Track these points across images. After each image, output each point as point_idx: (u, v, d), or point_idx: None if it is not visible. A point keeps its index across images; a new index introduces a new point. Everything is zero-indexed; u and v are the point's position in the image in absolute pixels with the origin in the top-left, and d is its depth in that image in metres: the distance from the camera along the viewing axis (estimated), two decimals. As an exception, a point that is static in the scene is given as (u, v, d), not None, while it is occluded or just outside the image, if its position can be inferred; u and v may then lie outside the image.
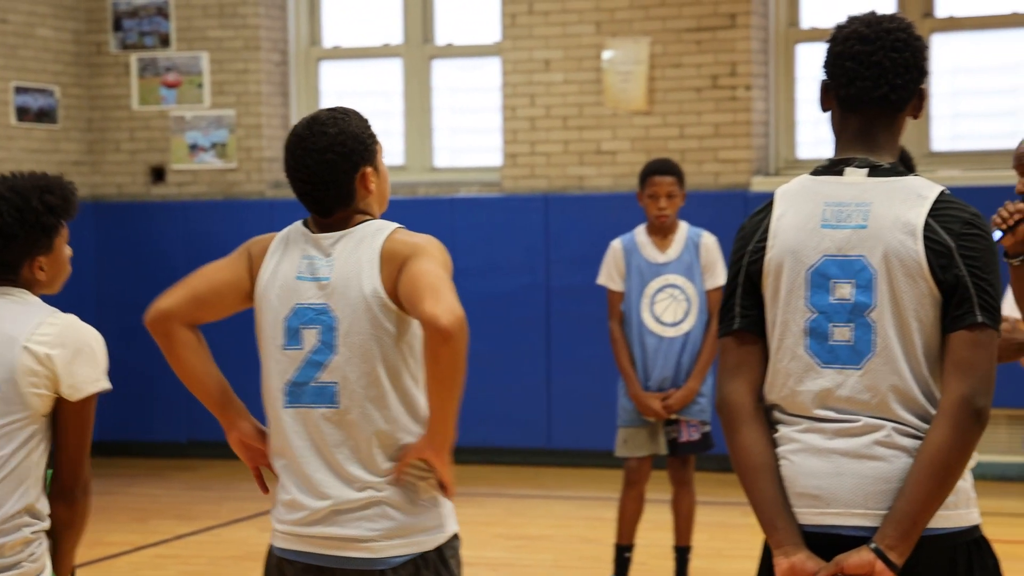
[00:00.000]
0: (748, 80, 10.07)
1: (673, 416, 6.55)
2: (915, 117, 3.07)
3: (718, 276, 6.58)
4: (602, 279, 6.73)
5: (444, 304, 3.14)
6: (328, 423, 3.32)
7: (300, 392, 3.34)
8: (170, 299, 3.42)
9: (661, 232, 6.62)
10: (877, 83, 2.98)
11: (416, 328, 3.30)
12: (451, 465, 3.32)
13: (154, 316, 3.41)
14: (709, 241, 6.63)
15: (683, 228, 6.65)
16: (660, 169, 6.59)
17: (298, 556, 3.36)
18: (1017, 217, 4.47)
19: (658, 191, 6.54)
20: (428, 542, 3.34)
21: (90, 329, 3.49)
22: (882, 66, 2.97)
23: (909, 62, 2.99)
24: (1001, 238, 4.48)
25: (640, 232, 6.69)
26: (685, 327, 6.57)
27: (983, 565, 2.98)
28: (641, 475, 6.65)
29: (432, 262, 3.25)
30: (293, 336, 3.34)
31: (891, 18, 3.02)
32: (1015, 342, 4.24)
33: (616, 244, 6.70)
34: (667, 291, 6.58)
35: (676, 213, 6.60)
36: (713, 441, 6.66)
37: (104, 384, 3.47)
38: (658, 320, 6.57)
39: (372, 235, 3.34)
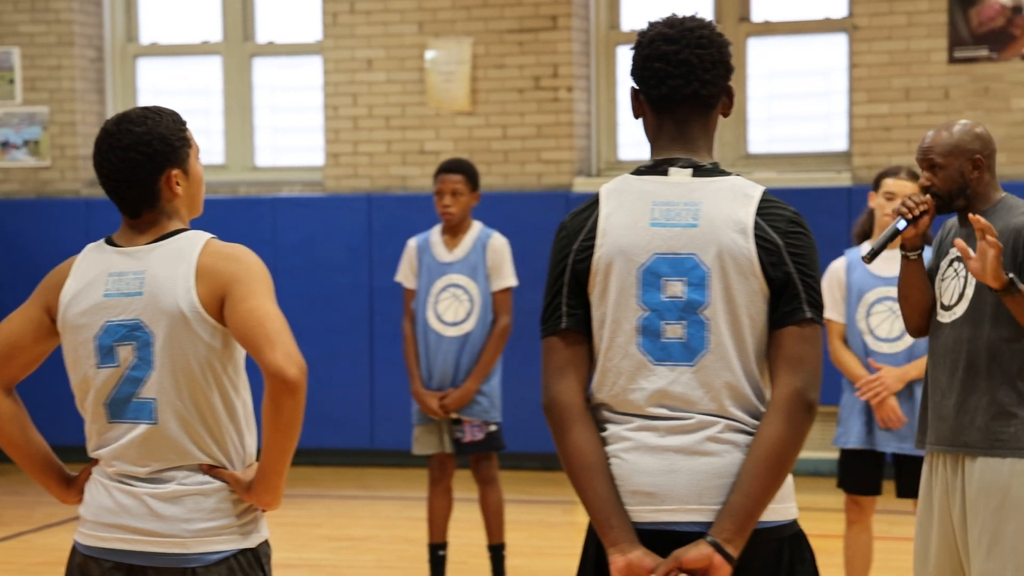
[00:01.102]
0: (570, 81, 10.16)
1: (455, 416, 6.61)
2: (725, 115, 3.11)
3: (505, 277, 6.65)
4: (398, 277, 6.80)
5: (286, 352, 3.16)
6: (150, 438, 3.28)
7: (121, 409, 3.30)
8: None
9: (452, 231, 6.68)
10: (687, 80, 3.02)
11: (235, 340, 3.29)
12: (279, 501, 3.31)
13: None
14: (497, 243, 6.68)
15: (475, 229, 6.71)
16: (448, 168, 6.66)
17: (109, 555, 3.30)
18: (922, 208, 4.45)
19: (444, 188, 6.61)
20: (243, 542, 3.31)
21: None
22: (690, 63, 3.02)
23: (715, 58, 3.04)
24: (904, 229, 4.50)
25: (435, 231, 6.76)
26: (466, 327, 6.61)
27: (803, 558, 3.03)
28: (444, 472, 6.73)
29: (261, 294, 3.23)
30: (107, 354, 3.30)
31: (692, 18, 3.08)
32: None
33: (411, 242, 6.77)
34: (450, 291, 6.65)
35: (465, 212, 6.65)
36: (502, 442, 6.72)
37: None
38: (440, 319, 6.63)
39: (185, 248, 3.29)
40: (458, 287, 6.65)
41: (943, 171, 4.45)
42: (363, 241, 10.26)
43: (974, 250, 4.29)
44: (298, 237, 10.31)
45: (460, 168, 6.66)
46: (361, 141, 10.50)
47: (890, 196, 5.91)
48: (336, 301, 10.27)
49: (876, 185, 5.99)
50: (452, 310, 6.64)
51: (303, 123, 10.92)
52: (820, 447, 9.26)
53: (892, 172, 5.96)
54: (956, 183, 4.44)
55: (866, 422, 5.98)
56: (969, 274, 4.39)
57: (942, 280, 4.52)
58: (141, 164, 3.30)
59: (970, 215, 4.28)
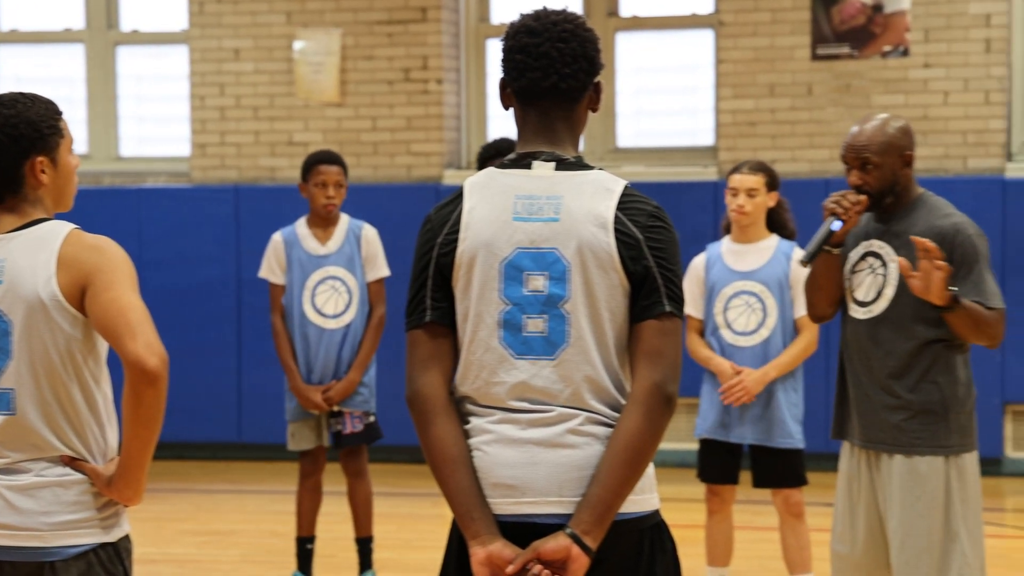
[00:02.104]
0: (440, 74, 10.16)
1: (336, 408, 6.59)
2: (594, 110, 3.13)
3: (379, 268, 6.65)
4: (263, 272, 6.72)
5: (146, 342, 3.13)
6: (8, 429, 3.23)
7: None
8: None
9: (323, 224, 6.64)
10: (546, 73, 3.03)
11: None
12: (139, 497, 3.27)
13: None
14: (370, 233, 6.67)
15: (344, 220, 6.69)
16: (327, 159, 6.61)
17: None
18: (858, 208, 4.34)
19: (327, 180, 6.56)
20: (103, 536, 3.27)
21: None
22: (549, 56, 3.03)
23: (577, 52, 3.04)
24: (838, 229, 4.43)
25: (301, 224, 6.70)
26: (346, 319, 6.60)
27: (663, 548, 3.05)
28: (315, 467, 6.72)
29: (123, 284, 3.20)
30: None
31: (559, 12, 3.08)
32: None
33: (277, 237, 6.70)
34: (328, 283, 6.61)
35: (340, 204, 6.64)
36: (380, 432, 6.73)
37: None
38: (319, 312, 6.60)
39: (48, 237, 3.25)
40: (336, 279, 6.61)
41: (878, 170, 4.35)
42: (230, 233, 10.16)
43: (897, 251, 4.32)
44: (164, 228, 10.18)
45: (337, 160, 6.64)
46: (228, 132, 10.40)
47: (734, 192, 6.07)
48: (203, 293, 10.16)
49: (727, 181, 6.15)
50: (332, 302, 6.61)
51: (169, 113, 10.78)
52: (686, 438, 9.36)
53: (737, 168, 6.13)
54: (889, 181, 4.36)
55: (722, 413, 6.08)
56: (889, 274, 4.36)
57: (853, 272, 4.48)
58: (5, 147, 3.27)
59: (912, 237, 4.20)
